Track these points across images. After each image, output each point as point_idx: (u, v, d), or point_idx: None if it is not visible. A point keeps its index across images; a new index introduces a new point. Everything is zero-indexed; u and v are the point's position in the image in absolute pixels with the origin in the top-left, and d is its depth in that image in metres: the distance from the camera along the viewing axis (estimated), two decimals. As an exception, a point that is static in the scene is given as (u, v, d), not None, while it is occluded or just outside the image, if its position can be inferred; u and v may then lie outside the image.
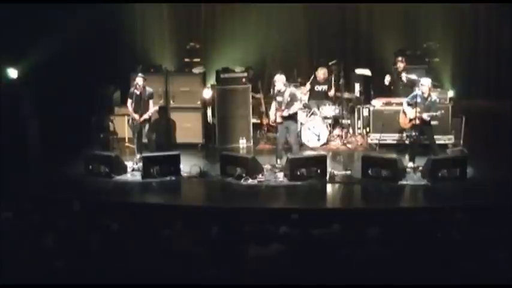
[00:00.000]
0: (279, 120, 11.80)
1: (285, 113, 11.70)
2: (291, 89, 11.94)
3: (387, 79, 13.65)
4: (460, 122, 13.00)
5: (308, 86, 13.76)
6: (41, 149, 12.93)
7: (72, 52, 13.76)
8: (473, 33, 16.31)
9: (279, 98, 11.78)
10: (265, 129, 13.95)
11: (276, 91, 11.83)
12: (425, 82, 11.75)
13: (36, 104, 13.10)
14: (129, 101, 12.18)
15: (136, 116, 12.09)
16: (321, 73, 13.70)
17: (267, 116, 13.03)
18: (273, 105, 12.00)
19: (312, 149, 13.06)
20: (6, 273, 6.84)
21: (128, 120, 12.58)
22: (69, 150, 12.87)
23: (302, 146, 13.09)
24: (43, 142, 12.98)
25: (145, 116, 12.11)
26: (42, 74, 13.15)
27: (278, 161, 11.97)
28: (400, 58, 13.68)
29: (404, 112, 11.91)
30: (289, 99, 11.68)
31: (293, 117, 11.85)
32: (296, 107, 11.81)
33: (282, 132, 11.93)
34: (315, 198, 11.01)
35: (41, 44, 13.13)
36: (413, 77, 13.23)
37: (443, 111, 12.40)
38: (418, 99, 11.55)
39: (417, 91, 11.81)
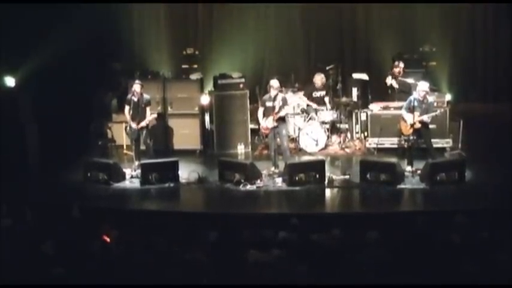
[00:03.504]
0: (272, 124, 11.78)
1: (282, 113, 11.70)
2: (282, 95, 12.00)
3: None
4: (458, 126, 13.00)
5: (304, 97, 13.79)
6: (40, 156, 12.91)
7: (70, 59, 13.74)
8: (471, 36, 16.36)
9: (268, 104, 11.79)
10: (264, 135, 13.92)
11: (268, 96, 11.84)
12: (423, 86, 11.76)
13: (35, 111, 13.10)
14: (127, 108, 12.18)
15: (133, 123, 12.10)
16: (319, 79, 13.69)
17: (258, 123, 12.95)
18: (260, 111, 12.01)
19: (310, 154, 13.06)
20: (5, 277, 6.85)
21: (126, 127, 12.57)
22: (67, 157, 12.85)
23: (300, 151, 13.11)
24: (42, 149, 12.96)
25: (143, 124, 12.11)
26: (40, 81, 13.14)
27: (273, 168, 11.96)
28: (397, 63, 13.67)
29: (404, 119, 11.88)
30: (281, 103, 11.73)
31: (283, 121, 11.87)
32: (287, 109, 11.92)
33: (271, 137, 11.94)
34: (314, 203, 11.01)
35: (39, 51, 13.12)
36: (409, 81, 13.25)
37: (442, 110, 12.42)
38: (415, 103, 11.57)
39: (414, 95, 11.82)
